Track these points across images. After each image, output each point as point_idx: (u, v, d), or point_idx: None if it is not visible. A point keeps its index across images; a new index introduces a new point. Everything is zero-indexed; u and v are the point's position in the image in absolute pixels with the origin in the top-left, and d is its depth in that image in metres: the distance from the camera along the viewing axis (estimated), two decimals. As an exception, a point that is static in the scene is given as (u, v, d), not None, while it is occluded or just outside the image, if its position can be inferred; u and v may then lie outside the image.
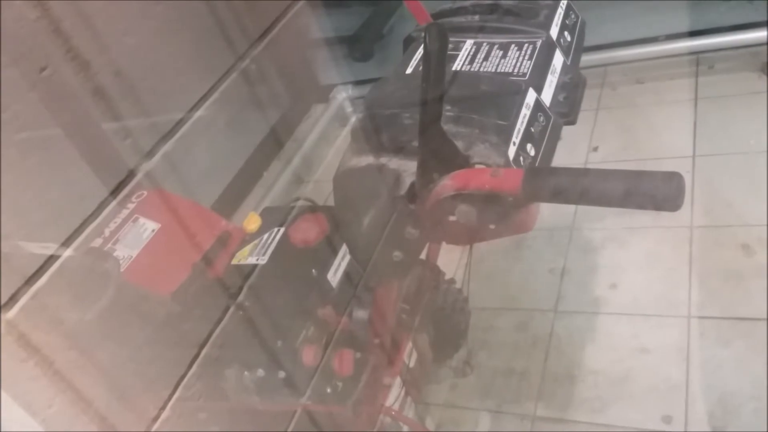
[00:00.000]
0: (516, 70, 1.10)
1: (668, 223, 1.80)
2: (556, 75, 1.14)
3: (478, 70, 1.12)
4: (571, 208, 1.94)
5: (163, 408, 0.61)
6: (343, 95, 2.77)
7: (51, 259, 0.58)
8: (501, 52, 1.15)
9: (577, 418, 1.49)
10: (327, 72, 2.71)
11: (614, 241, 1.85)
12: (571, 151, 2.14)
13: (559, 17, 1.22)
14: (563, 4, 1.24)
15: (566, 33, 1.23)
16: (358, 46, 2.87)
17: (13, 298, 0.53)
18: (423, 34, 0.87)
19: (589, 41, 1.29)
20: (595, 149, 2.16)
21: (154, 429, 0.58)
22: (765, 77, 2.10)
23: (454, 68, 1.12)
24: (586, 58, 1.35)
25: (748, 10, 2.13)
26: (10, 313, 0.52)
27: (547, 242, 1.91)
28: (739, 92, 2.09)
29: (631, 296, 1.69)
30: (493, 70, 1.11)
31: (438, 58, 0.87)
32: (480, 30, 1.20)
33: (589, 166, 2.09)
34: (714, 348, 1.50)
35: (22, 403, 0.50)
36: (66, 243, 0.62)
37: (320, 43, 2.52)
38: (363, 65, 2.87)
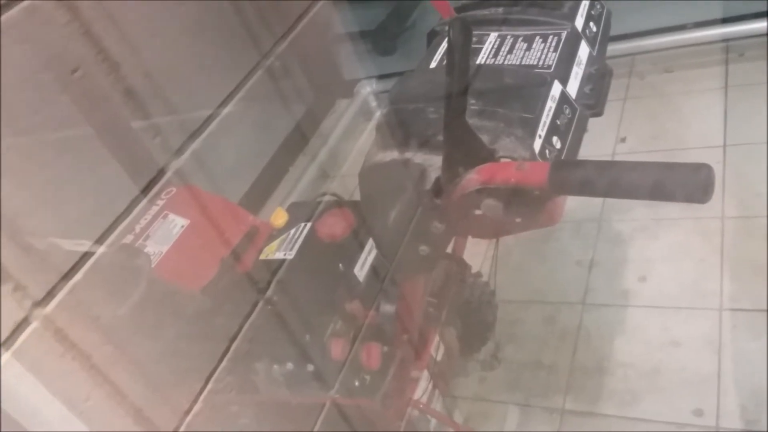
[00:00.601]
0: (541, 63, 1.09)
1: (699, 214, 1.77)
2: (582, 66, 1.13)
3: (503, 63, 1.11)
4: (599, 199, 1.92)
5: (195, 401, 0.63)
6: (367, 90, 2.77)
7: (86, 255, 0.60)
8: (525, 45, 1.14)
9: (606, 411, 1.48)
10: (351, 67, 2.71)
11: (643, 233, 1.82)
12: (599, 141, 2.12)
13: (584, 8, 1.21)
14: (589, -7, 1.23)
15: (592, 23, 1.21)
16: (382, 40, 2.87)
17: (50, 294, 0.54)
18: (447, 28, 0.87)
19: (616, 30, 1.27)
20: (623, 140, 2.13)
21: (187, 421, 0.59)
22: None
23: (478, 61, 1.12)
24: (613, 48, 1.34)
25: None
26: (48, 309, 0.53)
27: (574, 234, 1.90)
28: (770, 80, 2.05)
29: (661, 288, 1.67)
30: (518, 63, 1.10)
31: (462, 52, 0.86)
32: (504, 22, 1.20)
33: (617, 156, 2.06)
34: (746, 341, 1.47)
35: (61, 397, 0.52)
36: (100, 240, 0.63)
37: (344, 38, 2.53)
38: (387, 59, 2.87)
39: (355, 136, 2.61)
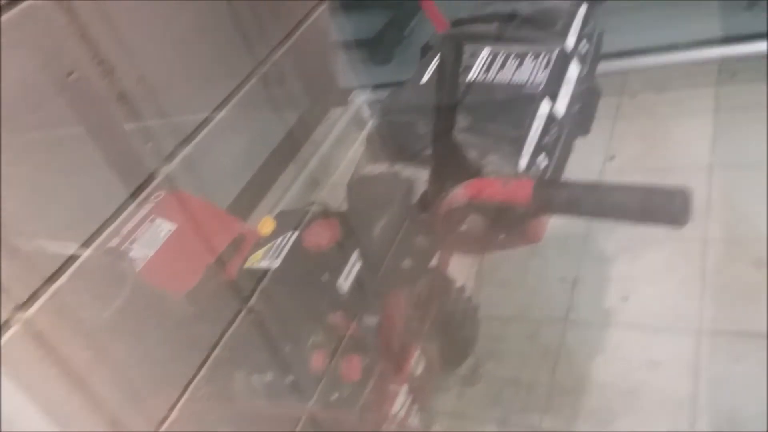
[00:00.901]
0: (531, 80, 1.11)
1: (683, 235, 1.78)
2: (571, 85, 1.15)
3: (493, 79, 1.13)
4: (586, 217, 1.93)
5: (172, 408, 0.63)
6: (361, 99, 2.78)
7: (70, 259, 0.60)
8: (517, 62, 1.15)
9: (582, 430, 1.48)
10: (346, 75, 2.72)
11: (628, 252, 1.84)
12: (588, 159, 2.13)
13: (576, 27, 1.22)
14: (582, 12, 1.25)
15: (583, 43, 1.23)
16: (378, 49, 2.88)
17: (33, 297, 0.55)
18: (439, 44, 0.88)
19: (608, 48, 1.29)
20: (612, 158, 2.15)
21: (162, 429, 0.59)
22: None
23: (469, 77, 1.13)
24: (605, 66, 1.35)
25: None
26: (29, 312, 0.54)
27: (560, 251, 1.91)
28: (760, 102, 2.06)
29: (643, 308, 1.68)
30: (508, 80, 1.12)
31: (452, 70, 0.88)
32: (498, 38, 1.21)
33: (606, 175, 2.08)
34: (725, 363, 1.49)
35: (39, 400, 0.52)
36: (86, 243, 0.64)
37: (340, 46, 2.54)
38: (382, 69, 2.88)
39: (347, 144, 2.62)
